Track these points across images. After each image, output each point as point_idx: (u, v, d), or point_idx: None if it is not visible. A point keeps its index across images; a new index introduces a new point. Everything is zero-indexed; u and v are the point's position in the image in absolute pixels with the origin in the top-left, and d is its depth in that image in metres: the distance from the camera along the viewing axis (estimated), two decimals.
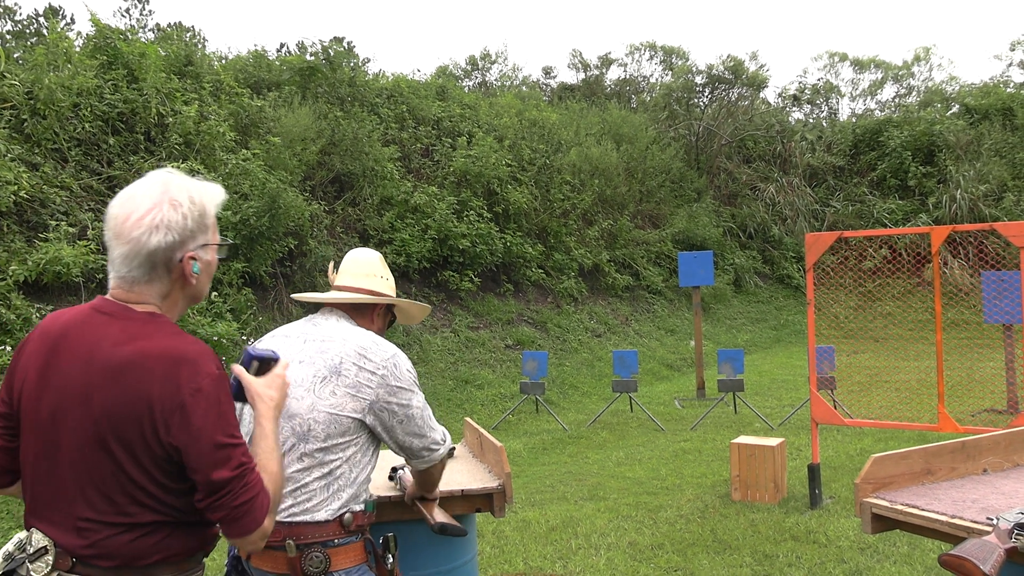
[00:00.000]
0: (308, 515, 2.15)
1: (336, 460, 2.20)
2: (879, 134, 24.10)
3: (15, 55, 11.88)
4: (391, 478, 2.86)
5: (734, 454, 6.33)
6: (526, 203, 15.70)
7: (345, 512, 2.19)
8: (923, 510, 2.19)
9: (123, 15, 16.00)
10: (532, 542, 5.49)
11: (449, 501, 2.77)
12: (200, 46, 15.28)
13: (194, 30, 16.48)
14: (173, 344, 1.67)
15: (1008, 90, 24.95)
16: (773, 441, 6.33)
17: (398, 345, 2.69)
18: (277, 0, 45.66)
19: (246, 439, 1.75)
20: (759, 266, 21.58)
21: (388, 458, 3.25)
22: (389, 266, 2.64)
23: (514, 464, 8.24)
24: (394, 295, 2.59)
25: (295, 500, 2.16)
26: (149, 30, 15.74)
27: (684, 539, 5.39)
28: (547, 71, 28.16)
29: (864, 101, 29.15)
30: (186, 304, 1.83)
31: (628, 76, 28.08)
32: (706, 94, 25.94)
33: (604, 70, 27.90)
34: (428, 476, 2.51)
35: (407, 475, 2.71)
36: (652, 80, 27.94)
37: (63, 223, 8.88)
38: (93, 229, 9.18)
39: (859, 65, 28.82)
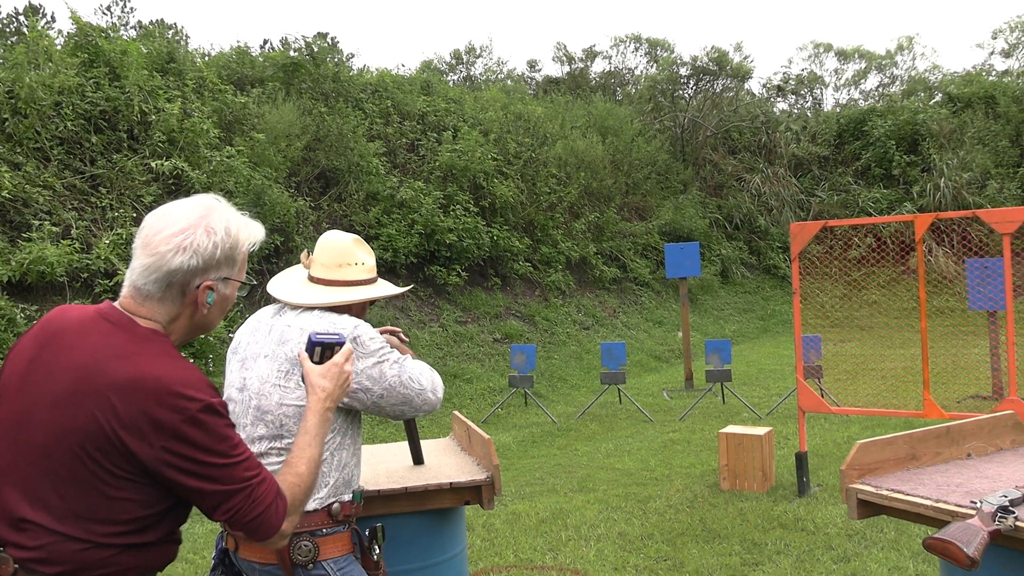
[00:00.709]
0: None
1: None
2: (863, 123, 24.21)
3: None
4: None
5: (722, 444, 6.36)
6: (512, 197, 15.69)
7: (333, 502, 2.18)
8: (908, 495, 2.21)
9: (104, 13, 15.92)
10: (522, 534, 5.51)
11: (437, 494, 2.77)
12: (182, 43, 15.20)
13: (176, 27, 16.42)
14: (168, 369, 1.62)
15: (990, 78, 25.13)
16: (761, 430, 6.35)
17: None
18: None
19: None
20: (745, 257, 21.66)
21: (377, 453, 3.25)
22: (375, 259, 2.57)
23: (504, 457, 8.25)
24: (373, 276, 2.49)
25: None
26: (131, 27, 15.67)
27: (673, 529, 5.41)
28: (532, 64, 28.26)
29: (848, 91, 29.32)
30: (192, 332, 1.79)
31: (613, 68, 28.12)
32: (691, 86, 26.00)
33: (589, 63, 27.92)
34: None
35: None
36: (637, 72, 28.00)
37: (46, 222, 8.82)
38: (76, 228, 9.12)
39: (843, 55, 28.96)
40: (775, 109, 27.21)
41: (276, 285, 2.49)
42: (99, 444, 1.58)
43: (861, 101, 28.27)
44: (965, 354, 11.23)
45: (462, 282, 13.82)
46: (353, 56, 26.21)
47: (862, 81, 29.07)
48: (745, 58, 26.02)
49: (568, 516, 5.87)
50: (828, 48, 28.90)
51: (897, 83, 28.47)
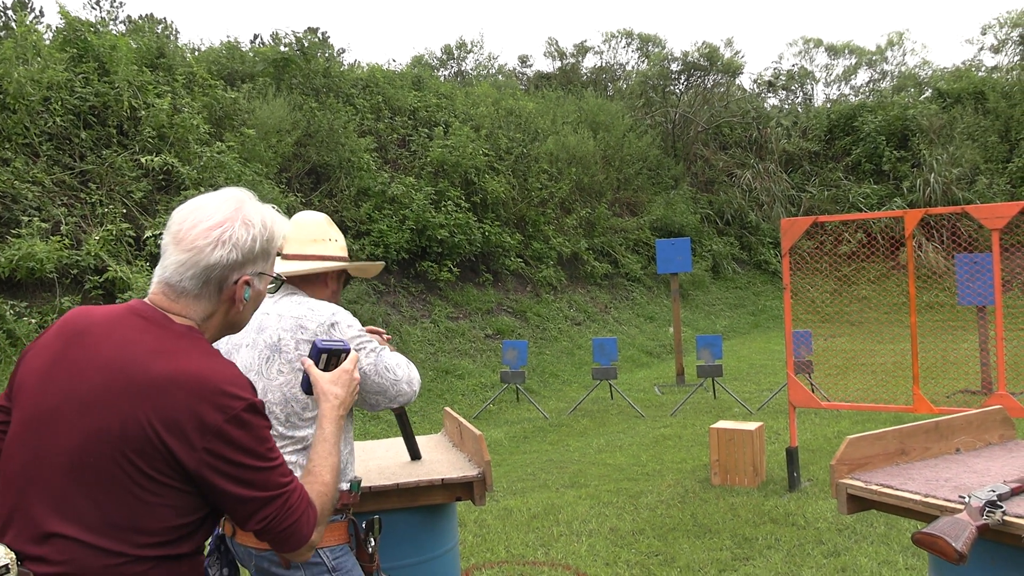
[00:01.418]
0: None
1: (306, 434, 2.21)
2: (853, 119, 24.28)
3: None
4: None
5: (713, 439, 6.38)
6: (504, 192, 15.69)
7: None
8: (897, 490, 2.22)
9: (93, 7, 15.80)
10: (514, 530, 5.52)
11: (429, 490, 2.78)
12: (172, 38, 15.11)
13: (166, 22, 16.33)
14: (210, 366, 1.55)
15: (980, 74, 25.19)
16: (752, 425, 6.38)
17: None
18: None
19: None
20: (736, 252, 21.71)
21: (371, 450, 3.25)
22: (367, 255, 2.59)
23: (496, 453, 8.26)
24: (345, 254, 2.52)
25: None
26: (120, 22, 15.58)
27: (665, 524, 5.43)
28: (523, 60, 28.13)
29: (838, 86, 29.35)
30: (225, 330, 1.72)
31: (604, 64, 28.11)
32: (682, 81, 26.02)
33: (580, 58, 27.90)
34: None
35: None
36: (628, 68, 27.99)
37: (36, 219, 8.77)
38: (66, 224, 9.07)
39: (833, 51, 28.99)
40: (766, 105, 27.26)
41: None
42: (137, 446, 1.48)
43: (851, 97, 28.33)
44: (954, 349, 11.30)
45: (453, 278, 13.81)
46: (344, 51, 26.10)
47: (852, 77, 29.13)
48: (736, 54, 26.08)
49: (560, 512, 5.88)
50: (818, 44, 28.94)
51: (887, 79, 28.53)
